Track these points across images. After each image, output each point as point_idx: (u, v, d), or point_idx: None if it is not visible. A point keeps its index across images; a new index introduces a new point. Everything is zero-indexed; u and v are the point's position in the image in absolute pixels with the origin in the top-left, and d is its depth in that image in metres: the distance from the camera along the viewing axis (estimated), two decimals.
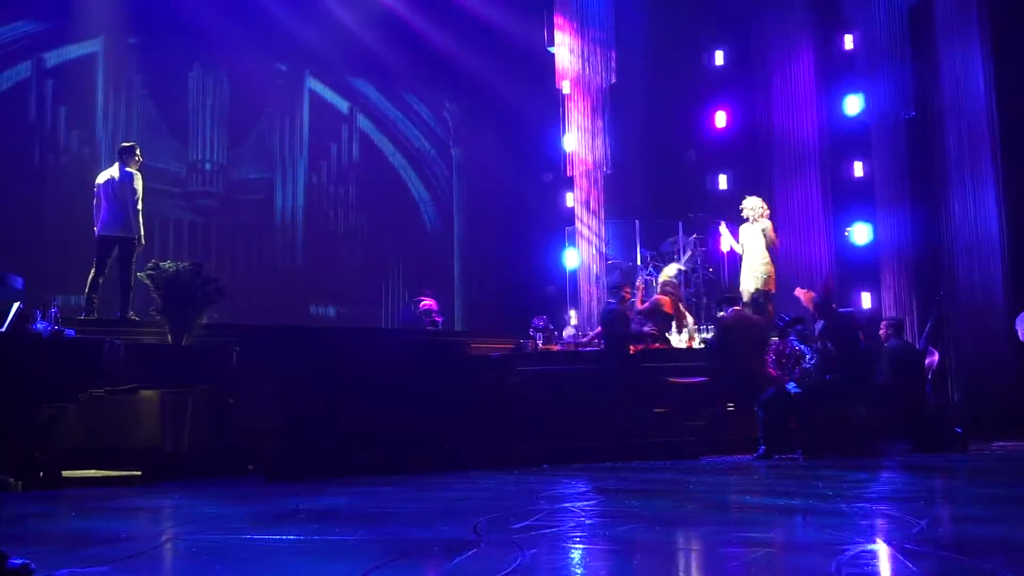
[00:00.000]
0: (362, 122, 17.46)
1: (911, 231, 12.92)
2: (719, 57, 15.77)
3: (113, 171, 9.95)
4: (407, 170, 17.97)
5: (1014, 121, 12.84)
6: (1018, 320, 10.96)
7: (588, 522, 5.04)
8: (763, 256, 11.41)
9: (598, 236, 13.83)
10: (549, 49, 14.61)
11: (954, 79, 13.22)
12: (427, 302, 14.20)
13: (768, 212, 11.76)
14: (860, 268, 13.48)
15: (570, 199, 14.94)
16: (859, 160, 13.98)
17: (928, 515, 4.95)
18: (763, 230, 11.40)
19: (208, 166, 15.73)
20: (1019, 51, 12.85)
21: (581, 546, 4.25)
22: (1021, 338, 10.86)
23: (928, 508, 5.38)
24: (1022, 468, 7.94)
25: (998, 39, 13.00)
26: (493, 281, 15.82)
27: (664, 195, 15.12)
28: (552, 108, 15.00)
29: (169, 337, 8.85)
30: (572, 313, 14.04)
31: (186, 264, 9.18)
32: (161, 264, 9.06)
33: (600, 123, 14.41)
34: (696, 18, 15.42)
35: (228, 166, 16.05)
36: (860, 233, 13.72)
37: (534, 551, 3.89)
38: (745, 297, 11.44)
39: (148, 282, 8.92)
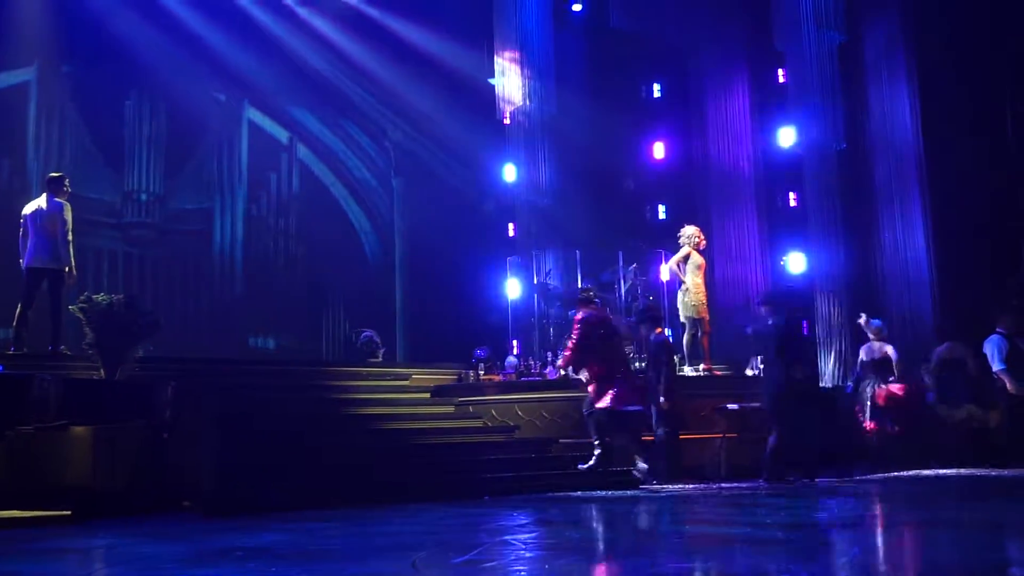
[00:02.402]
0: (302, 152, 17.36)
1: (843, 261, 13.20)
2: (656, 89, 16.04)
3: (41, 201, 9.74)
4: (348, 200, 17.89)
5: (940, 155, 13.26)
6: (985, 344, 11.05)
7: (528, 555, 5.02)
8: (694, 286, 11.49)
9: (539, 266, 13.92)
10: (490, 80, 14.73)
11: (882, 113, 13.63)
12: (368, 332, 14.15)
13: (702, 241, 11.82)
14: (796, 297, 13.72)
15: (511, 229, 15.00)
16: (793, 191, 14.28)
17: (861, 541, 5.03)
18: (685, 256, 11.52)
19: (144, 196, 15.48)
20: (944, 87, 13.30)
21: None
22: (991, 362, 10.93)
23: (861, 534, 5.48)
24: (952, 493, 8.12)
25: (924, 76, 13.45)
26: (435, 311, 15.78)
27: (604, 225, 15.26)
28: (493, 139, 15.11)
29: (102, 372, 8.67)
30: (514, 343, 14.07)
31: (120, 297, 9.01)
32: (94, 297, 8.88)
33: (540, 153, 14.55)
34: (634, 51, 15.67)
35: (165, 196, 15.82)
36: (795, 262, 13.98)
37: None
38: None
39: (80, 315, 8.73)
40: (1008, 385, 10.68)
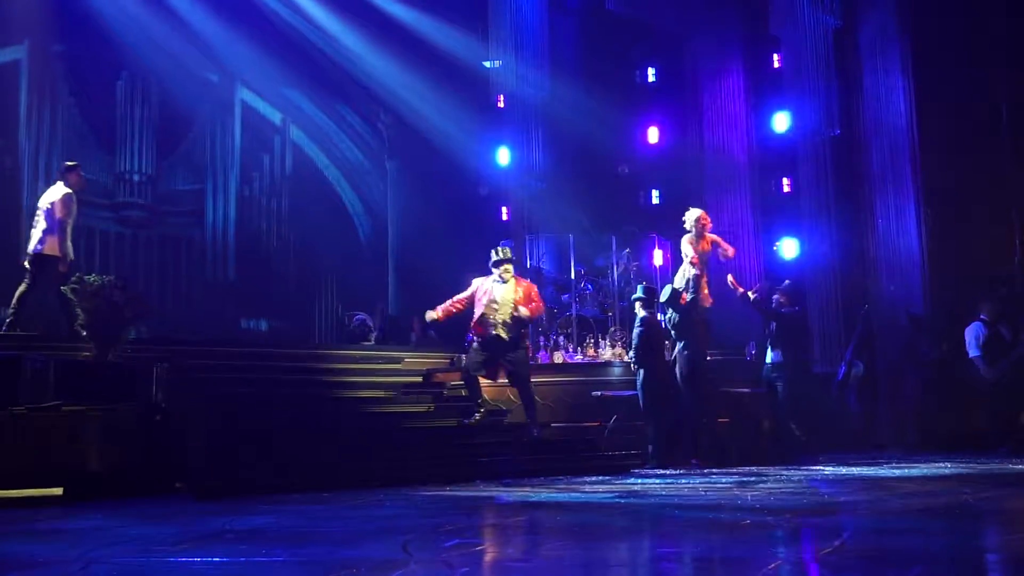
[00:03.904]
0: (295, 133, 17.27)
1: (837, 246, 13.23)
2: (651, 73, 15.98)
3: (53, 189, 9.97)
4: (341, 182, 17.82)
5: (933, 140, 13.27)
6: (967, 331, 11.30)
7: (520, 538, 5.05)
8: (690, 269, 11.11)
9: (532, 250, 13.92)
10: (484, 63, 14.67)
11: (877, 99, 13.63)
12: (361, 315, 14.15)
13: (701, 224, 10.90)
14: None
15: (505, 213, 14.97)
16: (787, 176, 14.26)
17: (850, 527, 5.06)
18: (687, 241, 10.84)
19: (136, 177, 15.40)
20: (938, 73, 13.29)
21: (513, 563, 4.26)
22: (968, 348, 11.20)
23: (850, 519, 5.51)
24: (940, 479, 8.16)
25: (918, 62, 13.44)
26: (427, 295, 15.73)
27: (598, 210, 15.24)
28: (487, 122, 15.05)
29: (93, 352, 8.65)
30: None
31: (111, 278, 8.99)
32: (86, 278, 8.86)
33: (534, 137, 14.51)
34: (629, 34, 15.61)
35: (157, 177, 15.73)
36: (788, 247, 13.99)
37: (465, 570, 3.88)
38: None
39: (72, 296, 8.72)
40: (981, 370, 11.03)
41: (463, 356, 11.80)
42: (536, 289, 10.14)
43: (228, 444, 7.92)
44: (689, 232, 10.80)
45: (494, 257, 9.95)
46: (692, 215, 10.92)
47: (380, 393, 10.26)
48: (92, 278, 8.87)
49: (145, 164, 15.57)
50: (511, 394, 10.34)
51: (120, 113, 15.57)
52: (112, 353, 8.64)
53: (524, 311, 9.65)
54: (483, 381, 9.83)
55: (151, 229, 15.52)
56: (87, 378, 8.05)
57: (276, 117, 17.12)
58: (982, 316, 11.18)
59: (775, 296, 10.85)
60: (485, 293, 9.79)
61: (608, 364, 11.69)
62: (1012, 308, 11.51)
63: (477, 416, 9.44)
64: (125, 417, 7.71)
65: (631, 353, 10.44)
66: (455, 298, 10.08)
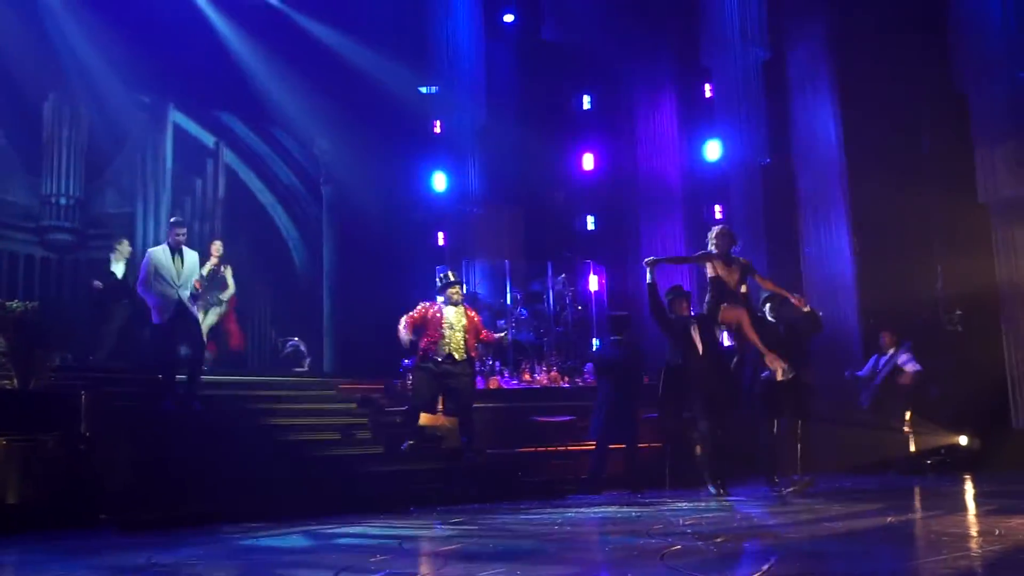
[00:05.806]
0: (228, 157, 17.02)
1: (768, 272, 13.44)
2: (587, 101, 16.16)
3: None
4: (275, 207, 17.60)
5: (861, 168, 13.62)
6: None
7: (454, 568, 5.00)
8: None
9: (468, 275, 13.93)
10: (420, 89, 14.70)
11: (806, 128, 13.94)
12: (294, 341, 13.99)
13: (716, 242, 9.65)
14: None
15: (441, 238, 14.96)
16: (719, 203, 14.46)
17: (778, 551, 5.12)
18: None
19: (63, 200, 14.98)
20: (863, 104, 13.68)
21: None
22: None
23: (779, 544, 5.58)
24: (865, 502, 8.31)
25: (845, 92, 13.81)
26: (363, 321, 15.62)
27: (534, 235, 15.32)
28: (423, 147, 15.05)
29: (15, 381, 8.39)
30: None
31: (35, 303, 8.75)
32: (7, 304, 8.61)
33: (471, 163, 14.56)
34: (565, 63, 15.77)
35: (85, 200, 15.34)
36: None
37: None
38: None
39: None
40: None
41: (397, 383, 11.74)
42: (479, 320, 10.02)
43: (154, 474, 7.74)
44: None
45: (442, 280, 9.84)
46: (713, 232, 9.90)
47: (313, 420, 10.13)
48: (14, 304, 8.63)
49: (72, 187, 15.16)
50: (446, 420, 10.29)
51: (46, 135, 15.15)
52: (34, 381, 8.40)
53: (483, 337, 9.68)
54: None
55: (78, 253, 15.11)
56: (8, 407, 7.82)
57: (209, 140, 16.86)
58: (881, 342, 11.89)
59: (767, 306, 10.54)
60: (435, 316, 9.52)
61: (544, 389, 11.73)
62: (908, 337, 11.99)
63: (411, 443, 9.35)
64: (47, 447, 7.49)
65: None
66: (410, 315, 9.56)
